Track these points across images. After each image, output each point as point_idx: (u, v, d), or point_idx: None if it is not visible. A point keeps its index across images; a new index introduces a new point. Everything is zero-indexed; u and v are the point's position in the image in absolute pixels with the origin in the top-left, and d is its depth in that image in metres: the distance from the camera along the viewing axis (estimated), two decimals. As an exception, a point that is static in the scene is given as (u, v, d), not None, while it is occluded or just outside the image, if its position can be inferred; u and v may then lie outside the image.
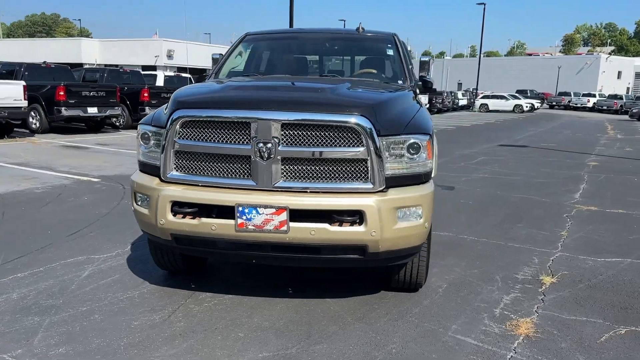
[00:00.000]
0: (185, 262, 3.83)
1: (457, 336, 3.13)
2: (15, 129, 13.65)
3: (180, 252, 3.58)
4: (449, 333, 3.16)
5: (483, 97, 43.29)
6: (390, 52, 4.67)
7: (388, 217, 3.03)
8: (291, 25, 20.17)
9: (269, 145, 3.00)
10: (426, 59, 4.62)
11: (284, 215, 2.98)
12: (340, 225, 3.01)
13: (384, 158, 3.03)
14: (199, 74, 8.30)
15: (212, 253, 3.36)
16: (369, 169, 3.02)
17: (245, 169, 3.08)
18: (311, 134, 3.00)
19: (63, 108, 13.61)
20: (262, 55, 4.87)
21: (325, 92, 3.34)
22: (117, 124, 16.33)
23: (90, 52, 39.02)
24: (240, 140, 3.05)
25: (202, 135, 3.13)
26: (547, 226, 5.78)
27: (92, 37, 68.95)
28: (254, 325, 3.21)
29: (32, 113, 13.82)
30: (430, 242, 4.13)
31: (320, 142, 3.00)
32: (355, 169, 3.04)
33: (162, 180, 3.23)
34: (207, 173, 3.15)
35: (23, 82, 12.61)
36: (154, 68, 35.62)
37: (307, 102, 3.10)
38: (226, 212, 3.05)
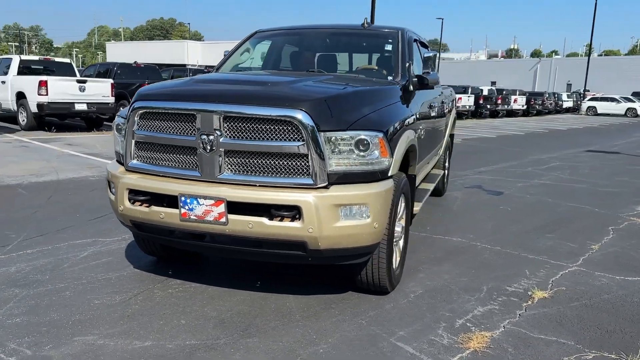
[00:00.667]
0: (164, 249, 4.00)
1: (397, 343, 2.97)
2: (104, 123, 14.94)
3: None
4: (391, 339, 3.01)
5: (591, 100, 40.08)
6: (388, 47, 4.52)
7: (327, 214, 2.95)
8: (372, 19, 20.07)
9: (211, 137, 3.04)
10: (430, 54, 4.41)
11: (222, 207, 3.02)
12: (280, 220, 2.98)
13: (327, 154, 2.95)
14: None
15: (169, 241, 3.48)
16: (309, 164, 2.96)
17: (192, 160, 3.15)
18: (252, 127, 3.01)
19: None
20: (267, 51, 4.92)
21: (273, 86, 3.31)
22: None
23: (194, 54, 41.57)
24: (188, 132, 3.13)
25: (156, 126, 3.25)
26: (580, 238, 5.26)
27: (203, 40, 73.29)
28: (201, 314, 3.27)
29: (121, 109, 15.01)
30: (407, 243, 3.98)
31: (260, 136, 3.00)
32: (295, 163, 2.99)
33: (126, 170, 3.40)
34: (161, 163, 3.27)
35: (111, 80, 13.75)
36: (249, 68, 36.97)
37: (247, 95, 3.10)
38: (173, 201, 3.15)
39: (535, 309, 3.50)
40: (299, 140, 2.94)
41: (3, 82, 13.51)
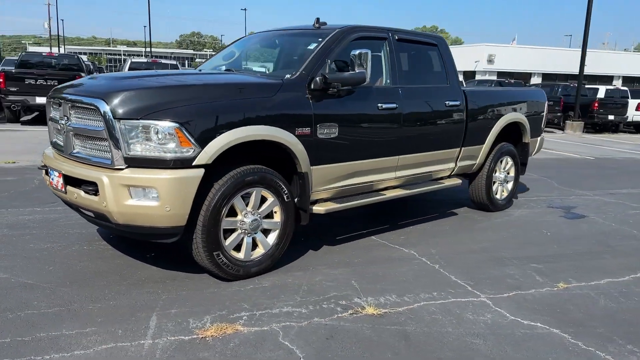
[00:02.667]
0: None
1: (161, 320, 3.21)
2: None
3: None
4: (138, 313, 3.25)
5: None
6: (310, 47, 4.47)
7: (118, 192, 3.37)
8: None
9: (63, 121, 3.74)
10: (355, 52, 4.23)
11: (61, 179, 3.70)
12: (87, 193, 3.52)
13: (123, 139, 3.36)
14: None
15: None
16: (109, 147, 3.41)
17: (61, 140, 3.90)
18: (81, 113, 3.61)
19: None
20: (236, 52, 5.31)
21: (115, 80, 3.81)
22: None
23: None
24: (62, 116, 3.88)
25: (53, 113, 4.09)
26: (571, 274, 4.29)
27: (463, 44, 73.21)
28: (86, 274, 3.99)
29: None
30: (285, 237, 3.98)
31: (84, 121, 3.58)
32: (102, 145, 3.49)
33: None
34: (57, 142, 4.08)
35: None
36: (473, 74, 36.07)
37: (83, 88, 3.71)
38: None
39: (319, 322, 3.23)
40: (101, 125, 3.42)
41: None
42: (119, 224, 3.47)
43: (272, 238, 4.00)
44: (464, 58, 37.58)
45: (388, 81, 4.84)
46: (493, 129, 6.00)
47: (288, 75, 4.17)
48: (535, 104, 6.78)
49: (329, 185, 4.39)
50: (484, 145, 5.96)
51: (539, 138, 6.98)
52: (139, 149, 3.37)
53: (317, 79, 4.10)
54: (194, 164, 3.42)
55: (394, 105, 4.71)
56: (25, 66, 14.33)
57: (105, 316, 3.19)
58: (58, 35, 69.03)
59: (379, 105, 4.61)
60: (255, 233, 3.89)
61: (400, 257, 4.52)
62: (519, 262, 4.53)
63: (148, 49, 54.32)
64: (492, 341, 3.10)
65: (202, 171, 3.45)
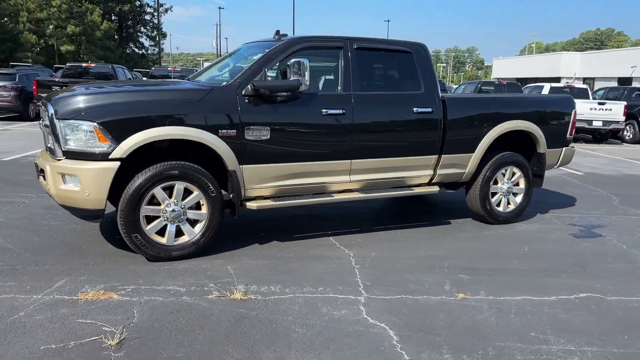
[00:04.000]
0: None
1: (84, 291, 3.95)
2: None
3: None
4: (56, 277, 3.98)
5: None
6: (256, 57, 4.89)
7: (54, 178, 4.21)
8: None
9: (45, 122, 4.67)
10: (291, 61, 4.59)
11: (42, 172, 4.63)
12: (44, 179, 4.42)
13: (61, 135, 4.17)
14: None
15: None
16: (54, 142, 4.26)
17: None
18: (44, 114, 4.53)
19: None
20: (229, 62, 5.88)
21: (77, 88, 4.64)
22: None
23: (570, 65, 38.54)
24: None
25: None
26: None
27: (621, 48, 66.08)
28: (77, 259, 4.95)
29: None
30: (211, 226, 4.49)
31: (46, 121, 4.47)
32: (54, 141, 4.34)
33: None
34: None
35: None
36: (628, 80, 32.28)
37: (53, 94, 4.58)
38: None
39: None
40: (50, 124, 4.28)
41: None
42: (60, 205, 4.30)
43: (198, 228, 4.52)
44: (623, 63, 33.78)
45: (339, 88, 5.06)
46: (485, 137, 5.77)
47: (224, 83, 4.68)
48: (553, 112, 6.31)
49: (266, 183, 4.78)
50: (474, 154, 5.77)
51: (561, 149, 6.45)
52: (72, 144, 4.16)
53: (249, 86, 4.54)
54: (110, 157, 4.11)
55: (340, 111, 4.92)
56: (67, 76, 17.24)
57: (30, 275, 4.02)
58: (219, 52, 76.68)
59: (323, 111, 4.86)
60: (179, 222, 4.45)
61: (330, 256, 4.71)
62: (449, 272, 4.44)
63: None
64: (312, 332, 3.27)
65: (117, 164, 4.12)
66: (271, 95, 4.61)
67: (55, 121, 4.19)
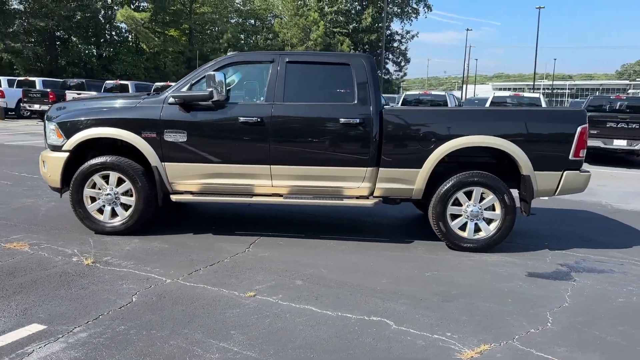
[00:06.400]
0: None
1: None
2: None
3: None
4: (30, 241, 5.49)
5: None
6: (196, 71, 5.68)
7: (41, 163, 5.81)
8: None
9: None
10: (205, 74, 5.33)
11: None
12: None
13: (47, 132, 5.77)
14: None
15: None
16: (45, 137, 5.90)
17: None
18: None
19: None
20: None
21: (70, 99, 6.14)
22: None
23: None
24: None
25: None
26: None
27: None
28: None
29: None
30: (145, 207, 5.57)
31: (50, 123, 6.17)
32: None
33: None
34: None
35: None
36: None
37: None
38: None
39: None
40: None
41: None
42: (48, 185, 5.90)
43: (129, 211, 5.57)
44: None
45: (262, 98, 5.49)
46: (434, 152, 5.34)
47: (161, 95, 5.66)
48: (545, 128, 5.38)
49: (190, 180, 5.55)
50: (421, 170, 5.40)
51: (559, 173, 5.39)
52: (51, 139, 5.70)
53: (170, 97, 5.43)
54: (62, 149, 5.51)
55: (257, 119, 5.37)
56: None
57: (13, 238, 5.62)
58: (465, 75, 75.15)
59: (241, 118, 5.40)
60: (112, 204, 5.57)
61: (229, 250, 5.19)
62: (289, 278, 4.49)
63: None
64: (85, 293, 3.98)
65: (66, 154, 5.49)
66: (190, 104, 5.39)
67: (46, 122, 5.81)
